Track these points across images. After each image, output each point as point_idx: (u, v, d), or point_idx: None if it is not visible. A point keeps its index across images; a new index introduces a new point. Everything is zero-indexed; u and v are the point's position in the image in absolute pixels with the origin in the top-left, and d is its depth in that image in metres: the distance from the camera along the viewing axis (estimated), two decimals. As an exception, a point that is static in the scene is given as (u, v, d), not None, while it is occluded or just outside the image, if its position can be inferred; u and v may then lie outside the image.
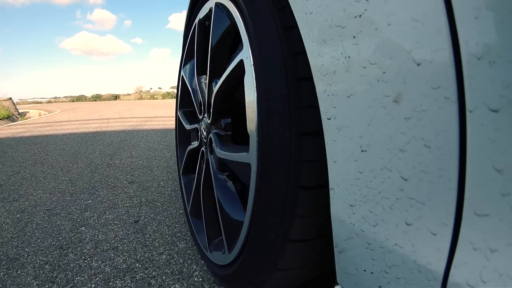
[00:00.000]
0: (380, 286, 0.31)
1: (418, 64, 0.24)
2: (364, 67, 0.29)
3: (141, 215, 1.11)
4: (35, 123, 4.84)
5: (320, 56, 0.34)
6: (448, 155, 0.23)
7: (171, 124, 4.09)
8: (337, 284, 0.38)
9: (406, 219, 0.27)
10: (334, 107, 0.33)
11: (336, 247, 0.36)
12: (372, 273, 0.32)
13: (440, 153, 0.24)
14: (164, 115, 5.59)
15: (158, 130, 3.47)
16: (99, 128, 3.76)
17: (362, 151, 0.30)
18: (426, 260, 0.26)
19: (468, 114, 0.22)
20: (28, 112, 7.67)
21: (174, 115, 1.15)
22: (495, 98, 0.20)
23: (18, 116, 6.14)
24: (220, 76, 0.61)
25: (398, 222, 0.28)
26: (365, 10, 0.28)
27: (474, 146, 0.22)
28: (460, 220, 0.23)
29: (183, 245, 0.90)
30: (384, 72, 0.27)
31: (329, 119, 0.34)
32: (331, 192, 0.35)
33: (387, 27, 0.26)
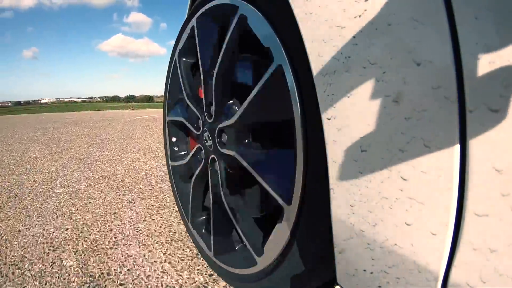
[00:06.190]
0: (380, 286, 0.31)
1: (418, 64, 0.24)
2: (364, 67, 0.29)
3: None
4: None
5: (320, 56, 0.34)
6: (448, 155, 0.23)
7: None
8: (337, 284, 0.38)
9: (406, 219, 0.27)
10: (334, 107, 0.33)
11: (336, 247, 0.36)
12: (372, 273, 0.32)
13: (440, 153, 0.24)
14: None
15: None
16: None
17: (362, 151, 0.30)
18: (426, 260, 0.26)
19: (468, 114, 0.22)
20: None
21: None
22: (495, 98, 0.20)
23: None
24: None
25: (398, 222, 0.28)
26: (365, 10, 0.28)
27: (474, 146, 0.22)
28: (460, 220, 0.23)
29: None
30: (384, 72, 0.27)
31: (329, 119, 0.34)
32: (331, 192, 0.35)
33: (387, 27, 0.26)
